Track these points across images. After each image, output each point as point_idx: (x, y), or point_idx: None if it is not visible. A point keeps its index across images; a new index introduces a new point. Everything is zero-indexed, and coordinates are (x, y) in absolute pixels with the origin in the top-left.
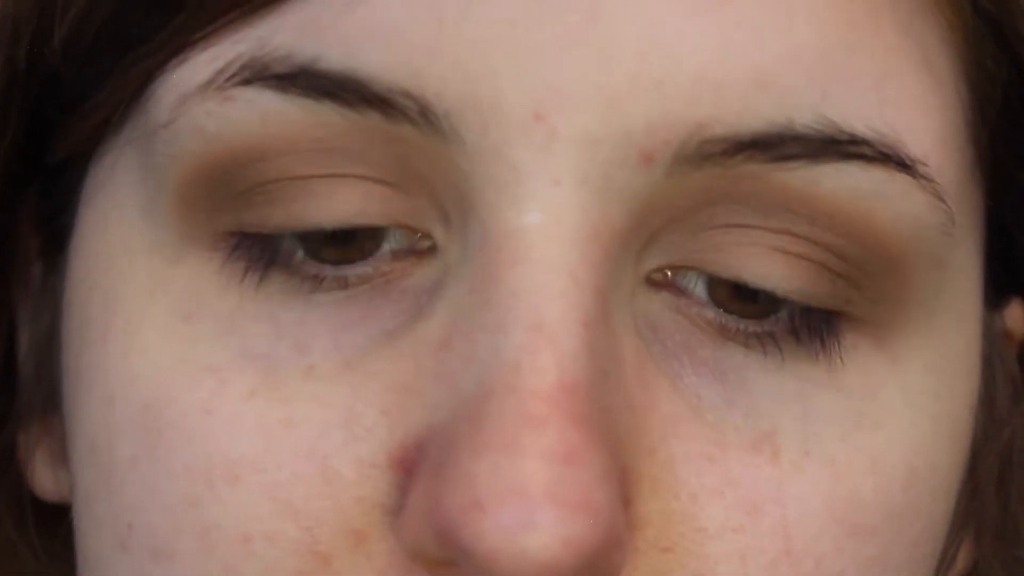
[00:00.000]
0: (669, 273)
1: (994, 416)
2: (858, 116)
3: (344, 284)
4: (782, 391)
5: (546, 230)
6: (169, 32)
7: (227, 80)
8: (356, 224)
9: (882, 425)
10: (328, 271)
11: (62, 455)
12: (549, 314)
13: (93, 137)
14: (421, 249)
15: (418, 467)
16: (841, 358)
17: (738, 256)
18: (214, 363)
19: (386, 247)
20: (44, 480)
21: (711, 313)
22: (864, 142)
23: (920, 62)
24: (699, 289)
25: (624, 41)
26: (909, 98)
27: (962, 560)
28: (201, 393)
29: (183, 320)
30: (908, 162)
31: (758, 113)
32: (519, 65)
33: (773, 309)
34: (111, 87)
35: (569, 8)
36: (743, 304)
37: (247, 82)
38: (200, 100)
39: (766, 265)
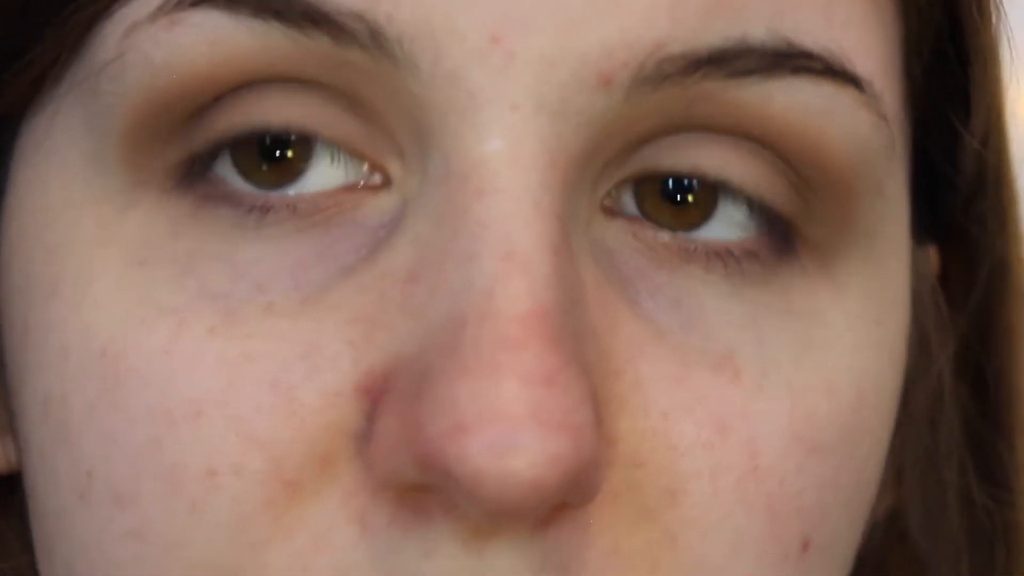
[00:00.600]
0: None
1: (924, 350)
2: (808, 34)
3: (293, 211)
4: (737, 315)
5: (508, 158)
6: None
7: (175, 6)
8: (301, 127)
9: (830, 348)
10: (274, 196)
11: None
12: (520, 242)
13: (27, 95)
14: (373, 184)
15: (386, 395)
16: (793, 284)
17: (694, 152)
18: (172, 305)
19: (331, 172)
20: None
21: (667, 237)
22: (815, 56)
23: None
24: (629, 203)
25: None
26: (855, 23)
27: (888, 495)
28: (159, 335)
29: (139, 265)
30: (855, 78)
31: (714, 30)
32: None
33: (711, 208)
34: (48, 40)
35: None
36: (677, 210)
37: (195, 4)
38: (147, 29)
39: (722, 158)
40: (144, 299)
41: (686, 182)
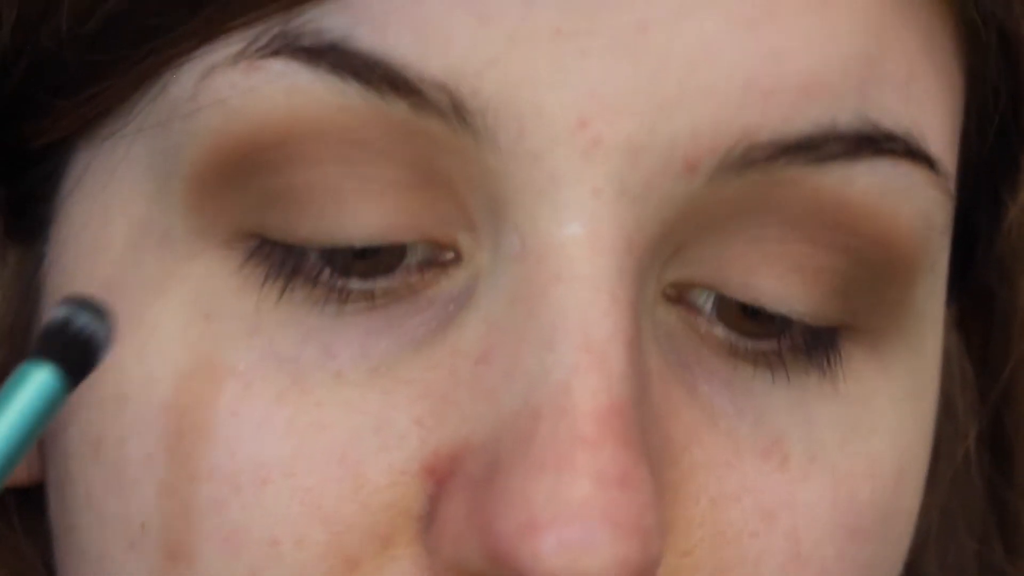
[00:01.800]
0: (681, 290)
1: (950, 414)
2: (890, 113)
3: (370, 297)
4: (786, 399)
5: (587, 243)
6: (194, 25)
7: (255, 52)
8: (384, 241)
9: (876, 430)
10: (354, 285)
11: None
12: (597, 334)
13: (83, 124)
14: (445, 260)
15: (452, 478)
16: (842, 370)
17: (759, 276)
18: (239, 365)
19: (411, 259)
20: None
21: (721, 332)
22: (898, 138)
23: (939, 67)
24: (708, 306)
25: (674, 50)
26: (930, 100)
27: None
28: (227, 396)
29: (203, 319)
30: (931, 159)
31: (805, 116)
32: (564, 70)
33: (780, 329)
34: (116, 73)
35: (618, 17)
36: (751, 323)
37: (275, 53)
38: (225, 72)
39: (785, 287)
40: (210, 355)
41: None
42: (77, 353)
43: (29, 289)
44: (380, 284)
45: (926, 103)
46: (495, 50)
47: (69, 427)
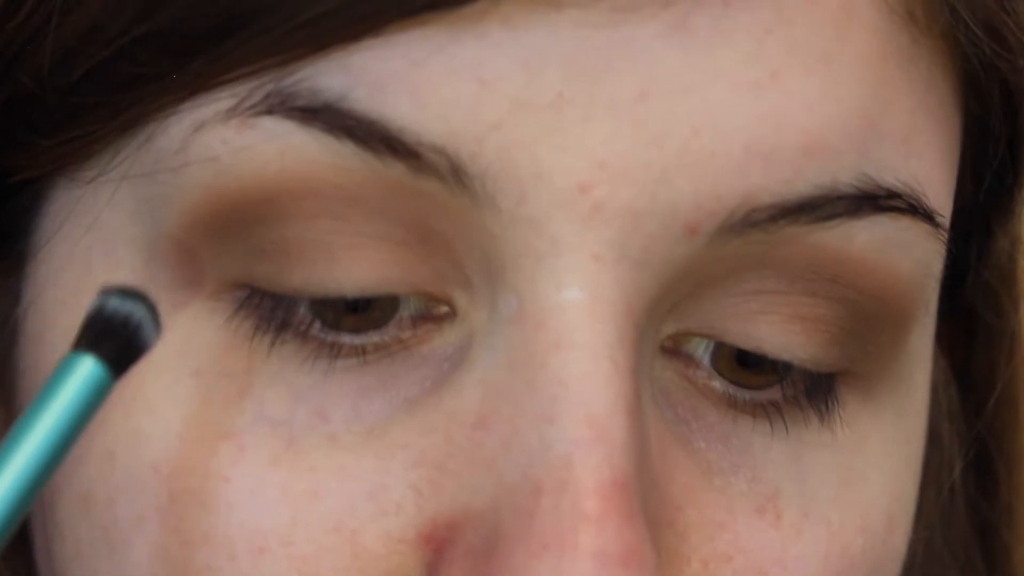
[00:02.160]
0: (678, 341)
1: (936, 444)
2: (890, 170)
3: (362, 352)
4: (781, 452)
5: (587, 308)
6: (183, 78)
7: (247, 109)
8: (376, 293)
9: (867, 478)
10: (345, 339)
11: None
12: (598, 407)
13: (68, 163)
14: (439, 314)
15: (450, 547)
16: (839, 416)
17: (759, 325)
18: (231, 428)
19: (403, 312)
20: None
21: (718, 385)
22: (898, 195)
23: (939, 117)
24: (704, 356)
25: (676, 116)
26: (929, 152)
27: None
28: (219, 460)
29: (191, 376)
30: (931, 213)
31: (806, 178)
32: (565, 135)
33: (777, 378)
34: (101, 120)
35: (620, 83)
36: (748, 373)
37: (269, 112)
38: (216, 128)
39: (785, 335)
40: (200, 416)
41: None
42: (120, 342)
43: (4, 326)
44: (371, 339)
45: (925, 155)
46: (496, 115)
47: (58, 477)
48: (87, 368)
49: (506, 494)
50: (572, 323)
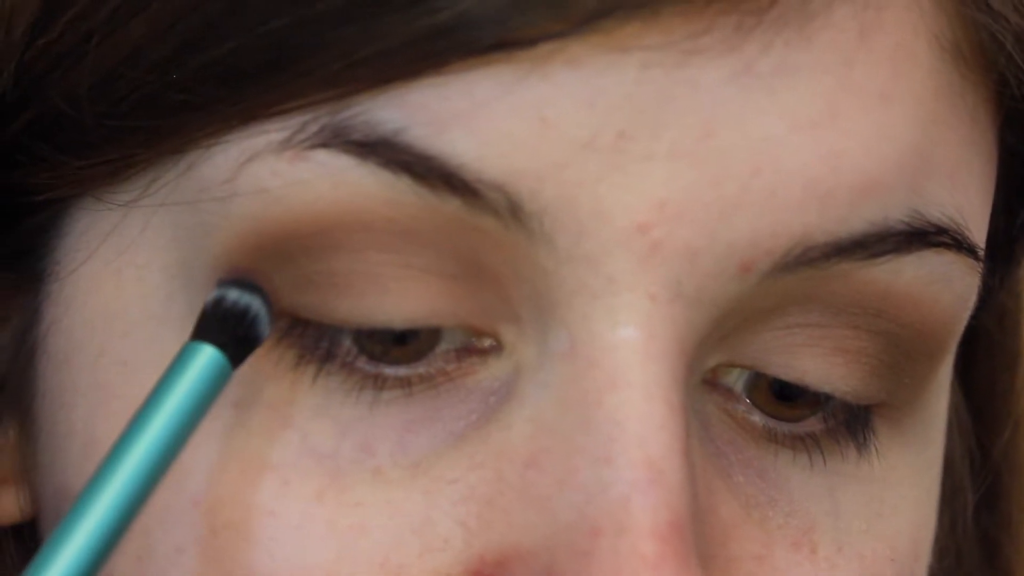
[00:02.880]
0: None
1: (948, 471)
2: (938, 206)
3: (407, 384)
4: (816, 486)
5: (642, 347)
6: (234, 109)
7: (301, 141)
8: (424, 325)
9: (898, 509)
10: (389, 371)
11: (11, 475)
12: (655, 448)
13: (96, 185)
14: (482, 347)
15: None
16: (875, 449)
17: (802, 357)
18: (274, 461)
19: (448, 344)
20: (5, 505)
21: (758, 419)
22: (945, 231)
23: (981, 150)
24: (740, 387)
25: (737, 156)
26: (973, 185)
27: None
28: (263, 494)
29: (231, 407)
30: (974, 247)
31: (860, 216)
32: (625, 175)
33: (813, 410)
34: (139, 145)
35: (682, 120)
36: (783, 405)
37: (324, 145)
38: (268, 159)
39: (827, 367)
40: (241, 448)
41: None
42: (239, 333)
43: (23, 345)
44: (416, 371)
45: (970, 188)
46: (557, 154)
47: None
48: (208, 357)
49: (561, 533)
50: (627, 362)
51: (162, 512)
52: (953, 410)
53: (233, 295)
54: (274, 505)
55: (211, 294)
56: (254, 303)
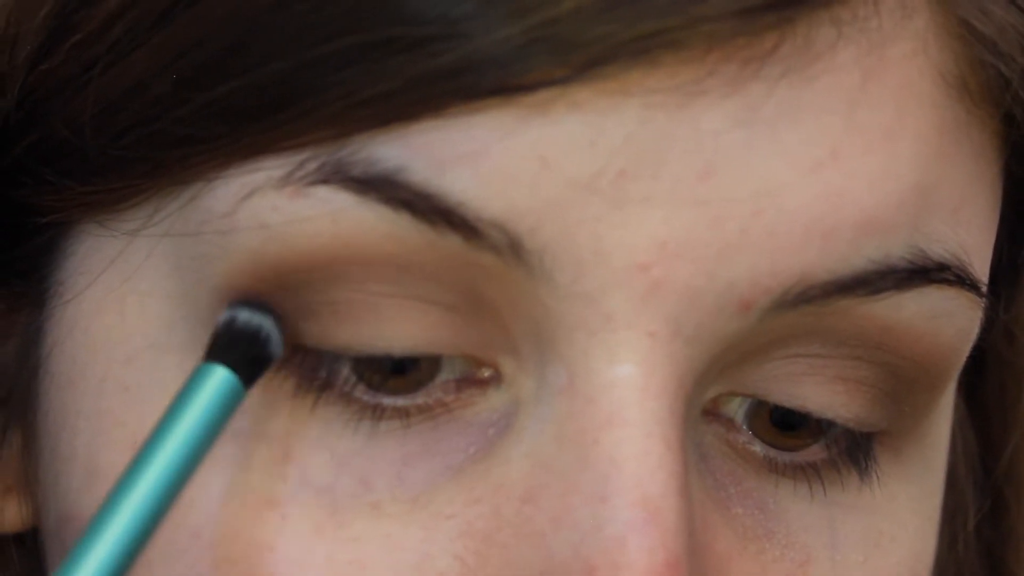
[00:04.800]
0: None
1: (954, 485)
2: (940, 242)
3: (405, 415)
4: (815, 517)
5: (640, 385)
6: (235, 145)
7: (302, 178)
8: (423, 353)
9: (896, 539)
10: (387, 401)
11: (15, 484)
12: (652, 487)
13: (102, 209)
14: (482, 378)
15: None
16: (876, 477)
17: (802, 385)
18: (273, 495)
19: (447, 374)
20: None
21: (759, 449)
22: (949, 268)
23: (986, 186)
24: (741, 417)
25: (738, 196)
26: (977, 221)
27: None
28: (262, 528)
29: (231, 437)
30: (977, 284)
31: (861, 254)
32: (625, 214)
33: (814, 439)
34: (141, 175)
35: (683, 160)
36: (784, 435)
37: (324, 181)
38: (268, 195)
39: (828, 394)
40: (241, 482)
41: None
42: (251, 354)
43: (26, 361)
44: (415, 401)
45: (973, 224)
46: (557, 192)
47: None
48: (221, 378)
49: (557, 571)
50: (624, 399)
51: (164, 544)
52: (957, 426)
53: (244, 316)
54: (274, 540)
55: (222, 315)
56: (265, 323)
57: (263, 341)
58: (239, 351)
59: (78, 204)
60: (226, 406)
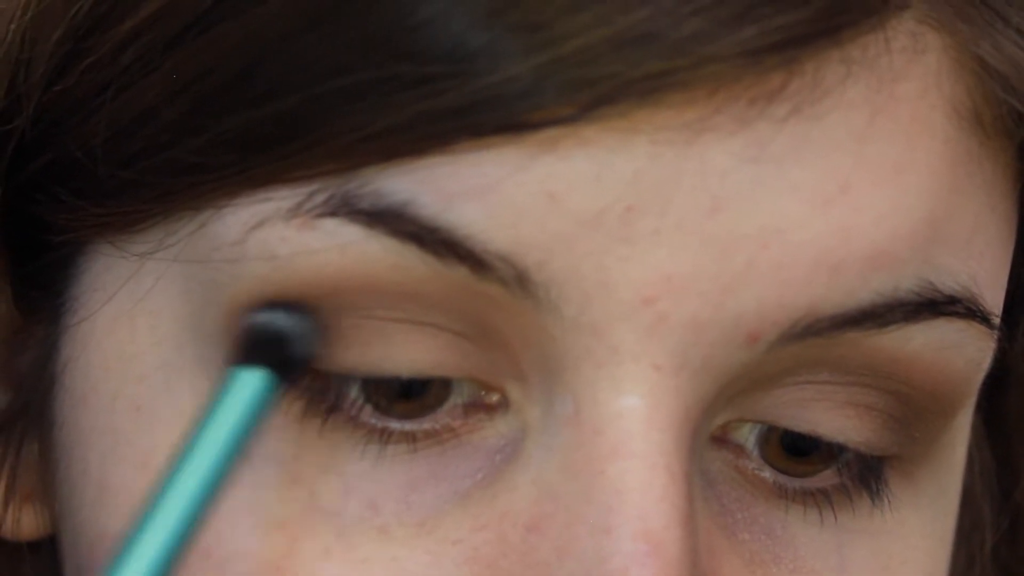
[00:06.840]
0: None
1: (969, 503)
2: (950, 274)
3: (412, 440)
4: (823, 542)
5: (645, 416)
6: (244, 176)
7: (310, 210)
8: (431, 375)
9: (907, 562)
10: (395, 425)
11: (32, 491)
12: (655, 520)
13: (114, 230)
14: (490, 403)
15: None
16: (887, 501)
17: (812, 411)
18: (282, 517)
19: (456, 399)
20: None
21: (768, 475)
22: (959, 300)
23: (999, 215)
24: (752, 443)
25: (745, 231)
26: (989, 251)
27: None
28: (272, 550)
29: (242, 459)
30: (988, 316)
31: (869, 287)
32: (633, 247)
33: (825, 464)
34: (151, 200)
35: (690, 196)
36: (795, 461)
37: (332, 213)
38: (277, 225)
39: (839, 419)
40: (251, 503)
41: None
42: (286, 354)
43: (42, 375)
44: (422, 426)
45: (986, 255)
46: (564, 226)
47: (100, 543)
48: (258, 379)
49: None
50: (630, 431)
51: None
52: (975, 444)
53: (281, 318)
54: (283, 563)
55: (253, 316)
56: (302, 323)
57: (298, 341)
58: (275, 352)
59: (91, 224)
60: (262, 405)
